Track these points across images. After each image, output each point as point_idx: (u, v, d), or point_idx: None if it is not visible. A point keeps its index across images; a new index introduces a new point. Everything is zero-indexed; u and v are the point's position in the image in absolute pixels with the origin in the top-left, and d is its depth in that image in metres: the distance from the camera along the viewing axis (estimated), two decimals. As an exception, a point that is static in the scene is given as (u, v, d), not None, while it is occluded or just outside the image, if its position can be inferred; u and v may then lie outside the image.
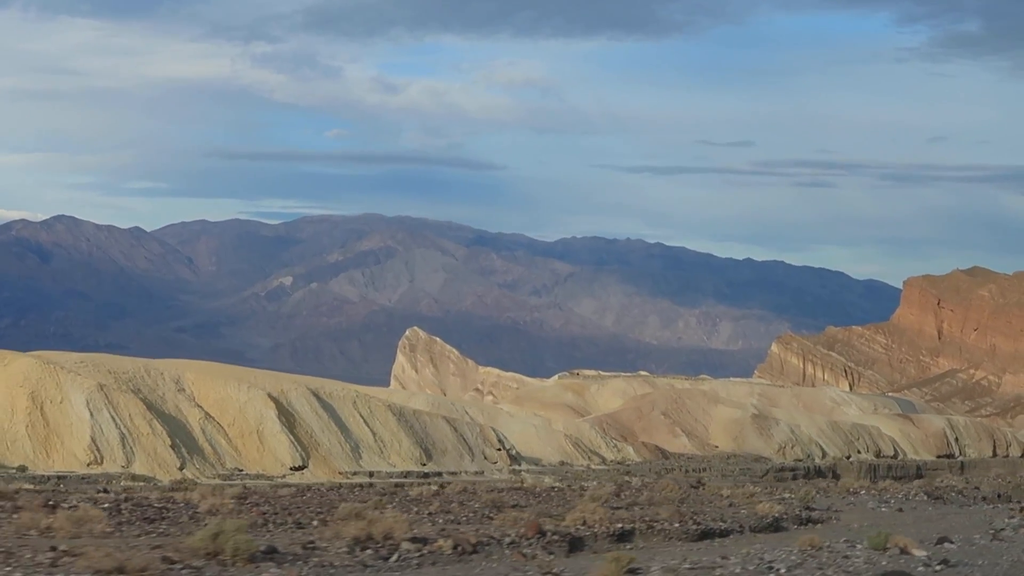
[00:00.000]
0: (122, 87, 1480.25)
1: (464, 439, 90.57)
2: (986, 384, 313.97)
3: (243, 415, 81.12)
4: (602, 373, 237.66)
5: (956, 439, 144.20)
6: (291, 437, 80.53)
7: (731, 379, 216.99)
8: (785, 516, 34.57)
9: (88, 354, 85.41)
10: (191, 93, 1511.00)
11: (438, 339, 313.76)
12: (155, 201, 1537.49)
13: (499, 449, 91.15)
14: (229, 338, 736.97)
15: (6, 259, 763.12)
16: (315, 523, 27.31)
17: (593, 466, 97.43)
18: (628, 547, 25.08)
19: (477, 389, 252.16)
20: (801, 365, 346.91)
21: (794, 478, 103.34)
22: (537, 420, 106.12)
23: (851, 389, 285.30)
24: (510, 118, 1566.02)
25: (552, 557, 23.26)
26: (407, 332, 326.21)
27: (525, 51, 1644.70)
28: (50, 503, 29.75)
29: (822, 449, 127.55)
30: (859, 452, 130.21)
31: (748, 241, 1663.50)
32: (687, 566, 21.04)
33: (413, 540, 22.95)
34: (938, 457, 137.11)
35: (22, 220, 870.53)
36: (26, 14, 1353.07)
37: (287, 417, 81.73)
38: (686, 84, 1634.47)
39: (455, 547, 22.94)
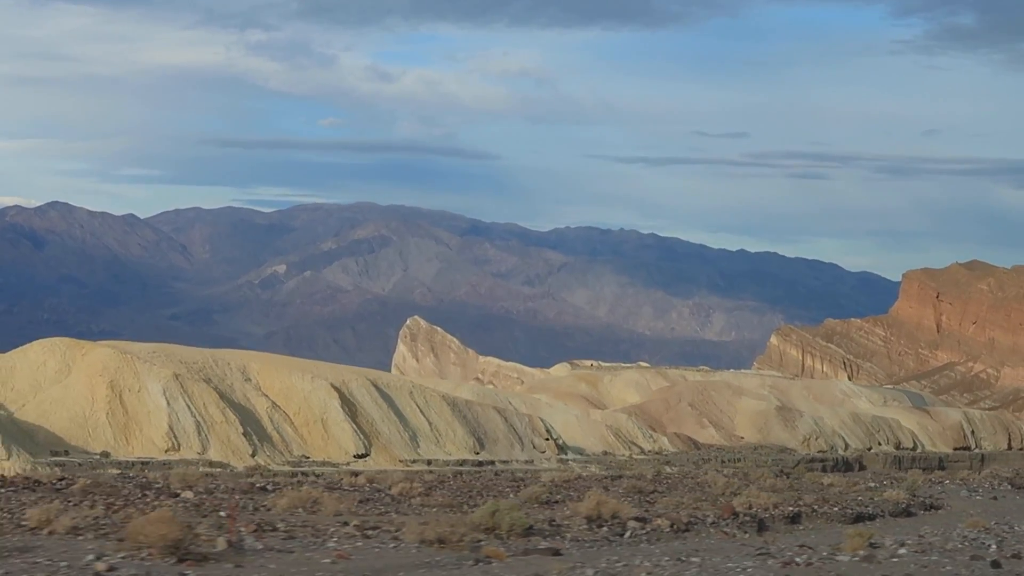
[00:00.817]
0: (116, 74, 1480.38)
1: (514, 429, 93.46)
2: (984, 377, 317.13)
3: (308, 404, 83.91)
4: (601, 363, 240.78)
5: (972, 432, 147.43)
6: (354, 426, 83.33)
7: (743, 371, 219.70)
8: (912, 503, 37.44)
9: (159, 344, 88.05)
10: (185, 80, 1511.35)
11: (439, 328, 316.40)
12: (149, 188, 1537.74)
13: (547, 439, 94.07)
14: (222, 325, 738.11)
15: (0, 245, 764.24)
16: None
17: (634, 456, 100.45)
18: (800, 528, 27.83)
19: (477, 378, 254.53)
20: (800, 357, 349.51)
21: (823, 469, 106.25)
22: (576, 410, 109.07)
23: (850, 381, 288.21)
24: (504, 108, 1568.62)
25: (747, 535, 26.06)
26: (408, 321, 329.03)
27: (520, 41, 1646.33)
28: (277, 487, 32.49)
29: (844, 441, 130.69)
30: (879, 444, 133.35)
31: (742, 232, 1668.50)
32: (911, 540, 23.73)
33: (637, 519, 25.79)
34: (955, 450, 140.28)
35: (16, 206, 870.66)
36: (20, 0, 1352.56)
37: (349, 406, 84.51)
38: (681, 75, 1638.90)
39: (671, 526, 25.80)
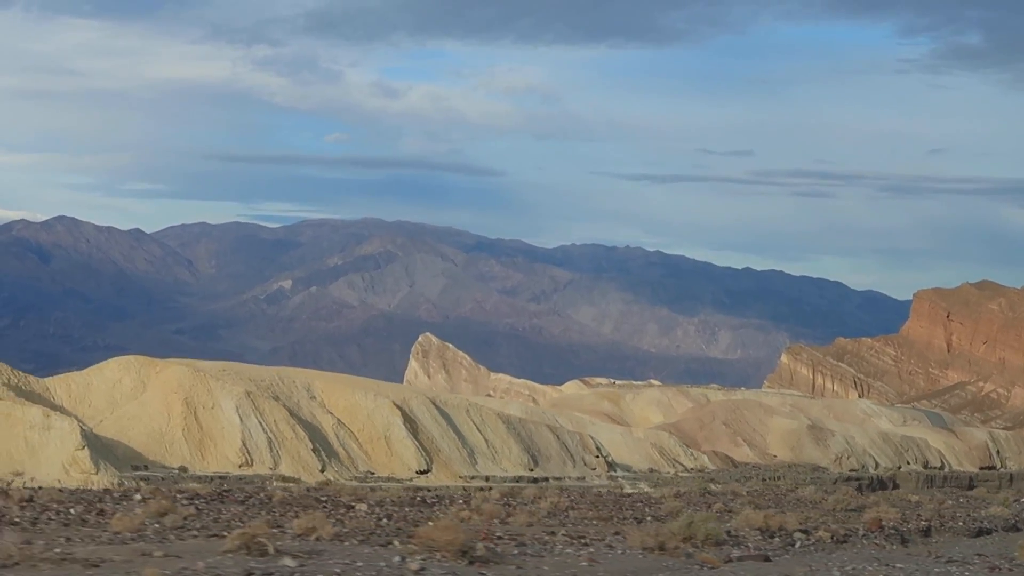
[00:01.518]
0: (123, 88, 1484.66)
1: (565, 446, 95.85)
2: (995, 397, 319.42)
3: (371, 422, 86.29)
4: (617, 381, 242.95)
5: (998, 452, 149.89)
6: (416, 443, 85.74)
7: (765, 390, 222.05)
8: (1017, 519, 39.93)
9: (226, 362, 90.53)
10: (191, 95, 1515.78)
11: (450, 345, 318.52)
12: (155, 203, 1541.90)
13: (597, 456, 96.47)
14: (227, 340, 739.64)
15: (6, 259, 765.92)
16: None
17: (680, 473, 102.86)
18: (933, 541, 30.27)
19: (489, 395, 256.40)
20: (811, 376, 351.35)
21: (859, 488, 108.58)
22: (620, 428, 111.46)
23: (848, 399, 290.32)
24: (510, 124, 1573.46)
25: (894, 547, 28.50)
26: (420, 338, 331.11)
27: (526, 57, 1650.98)
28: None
29: (875, 460, 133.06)
30: (908, 463, 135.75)
31: (747, 250, 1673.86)
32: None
33: (802, 531, 28.26)
34: (981, 469, 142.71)
35: (22, 220, 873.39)
36: (27, 14, 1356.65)
37: (411, 424, 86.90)
38: (686, 92, 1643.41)
39: (831, 537, 28.26)
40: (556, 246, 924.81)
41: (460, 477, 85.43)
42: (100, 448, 71.55)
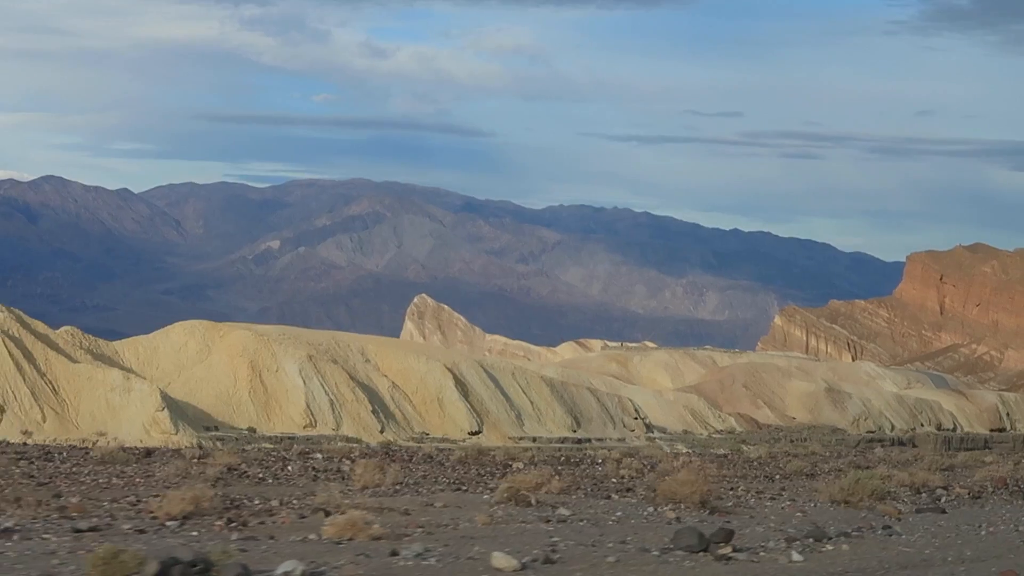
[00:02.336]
0: (110, 48, 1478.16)
1: (606, 408, 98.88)
2: (988, 359, 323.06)
3: (424, 384, 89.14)
4: (611, 344, 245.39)
5: (1008, 414, 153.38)
6: (467, 405, 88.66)
7: (770, 352, 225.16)
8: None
9: (284, 327, 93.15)
10: (179, 55, 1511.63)
11: (446, 307, 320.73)
12: (142, 163, 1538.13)
13: (635, 418, 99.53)
14: (216, 301, 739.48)
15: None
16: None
17: (712, 435, 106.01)
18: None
19: (486, 355, 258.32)
20: (804, 337, 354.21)
21: (882, 447, 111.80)
22: (652, 391, 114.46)
23: (853, 362, 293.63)
24: (498, 85, 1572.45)
25: (1020, 502, 31.33)
26: (415, 299, 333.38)
27: (514, 18, 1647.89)
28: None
29: (890, 422, 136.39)
30: (922, 425, 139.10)
31: (735, 211, 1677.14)
32: None
33: (943, 487, 31.20)
34: (991, 431, 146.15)
35: (10, 180, 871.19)
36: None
37: (462, 387, 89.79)
38: (675, 54, 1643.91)
39: (968, 493, 31.16)
40: (544, 207, 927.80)
41: (509, 438, 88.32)
42: (175, 409, 74.26)
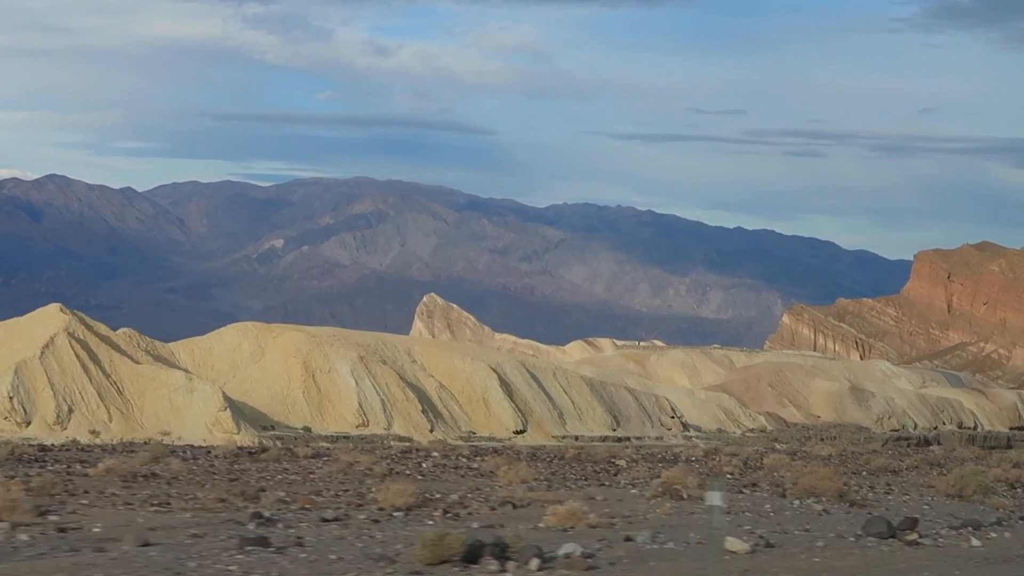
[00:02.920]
0: (113, 46, 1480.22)
1: (644, 407, 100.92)
2: (996, 358, 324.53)
3: (470, 384, 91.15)
4: (618, 342, 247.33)
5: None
6: (512, 404, 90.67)
7: (786, 351, 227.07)
8: None
9: (333, 328, 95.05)
10: (182, 53, 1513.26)
11: (455, 306, 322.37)
12: (145, 161, 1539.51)
13: (672, 417, 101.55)
14: (219, 299, 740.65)
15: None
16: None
17: (745, 433, 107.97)
18: None
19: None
20: (812, 336, 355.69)
21: (909, 446, 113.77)
22: (684, 390, 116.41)
23: (868, 360, 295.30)
24: (501, 83, 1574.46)
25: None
26: (424, 298, 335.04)
27: (517, 16, 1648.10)
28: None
29: (913, 420, 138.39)
30: (944, 424, 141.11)
31: (738, 210, 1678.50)
32: None
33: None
34: (1011, 429, 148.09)
35: (13, 179, 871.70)
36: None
37: (506, 386, 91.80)
38: (678, 51, 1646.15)
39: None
40: (547, 205, 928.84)
41: (552, 436, 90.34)
42: (235, 409, 76.23)
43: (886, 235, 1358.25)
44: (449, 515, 21.03)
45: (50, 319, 77.67)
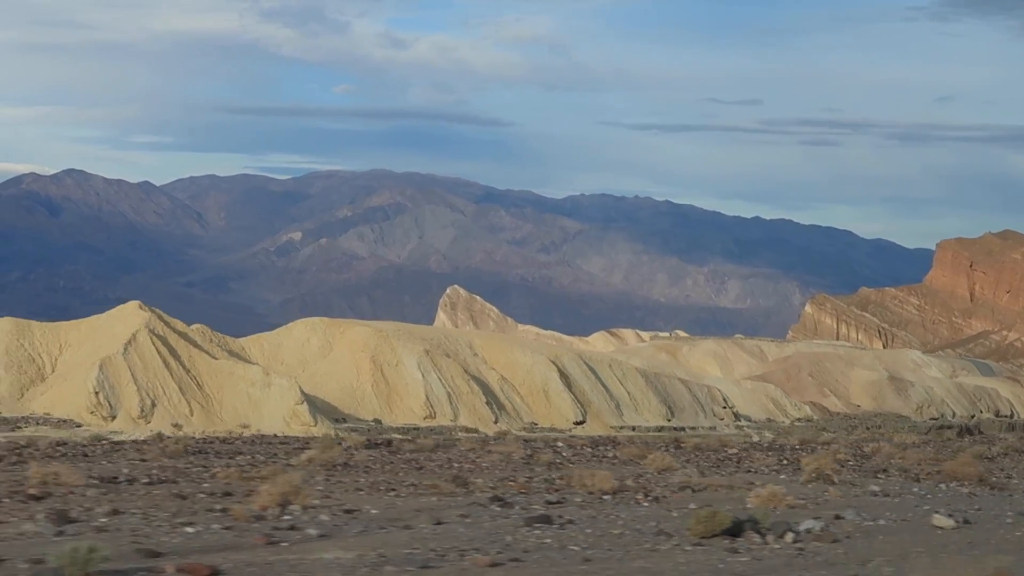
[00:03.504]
0: (129, 40, 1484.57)
1: (697, 398, 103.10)
2: (1019, 346, 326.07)
3: (530, 376, 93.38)
4: (640, 332, 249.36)
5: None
6: (571, 396, 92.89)
7: (815, 341, 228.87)
8: None
9: (397, 323, 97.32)
10: (198, 47, 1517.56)
11: (478, 297, 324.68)
12: (162, 155, 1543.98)
13: (724, 407, 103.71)
14: (238, 293, 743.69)
15: (16, 212, 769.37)
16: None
17: (793, 423, 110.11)
18: None
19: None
20: (835, 325, 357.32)
21: (955, 434, 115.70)
22: (730, 380, 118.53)
23: (884, 349, 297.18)
24: (518, 74, 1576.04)
25: None
26: (448, 290, 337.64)
27: (533, 7, 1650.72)
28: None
29: (952, 409, 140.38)
30: (981, 412, 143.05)
31: (756, 199, 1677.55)
32: None
33: None
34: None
35: (31, 174, 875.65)
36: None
37: (565, 378, 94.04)
38: (694, 42, 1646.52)
39: None
40: (565, 196, 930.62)
41: (611, 427, 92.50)
42: (309, 402, 78.50)
43: (904, 224, 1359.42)
44: (650, 498, 23.11)
45: (130, 316, 79.99)
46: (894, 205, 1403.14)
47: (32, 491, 20.92)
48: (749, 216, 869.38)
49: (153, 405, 74.85)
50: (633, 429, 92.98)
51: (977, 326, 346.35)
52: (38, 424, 71.05)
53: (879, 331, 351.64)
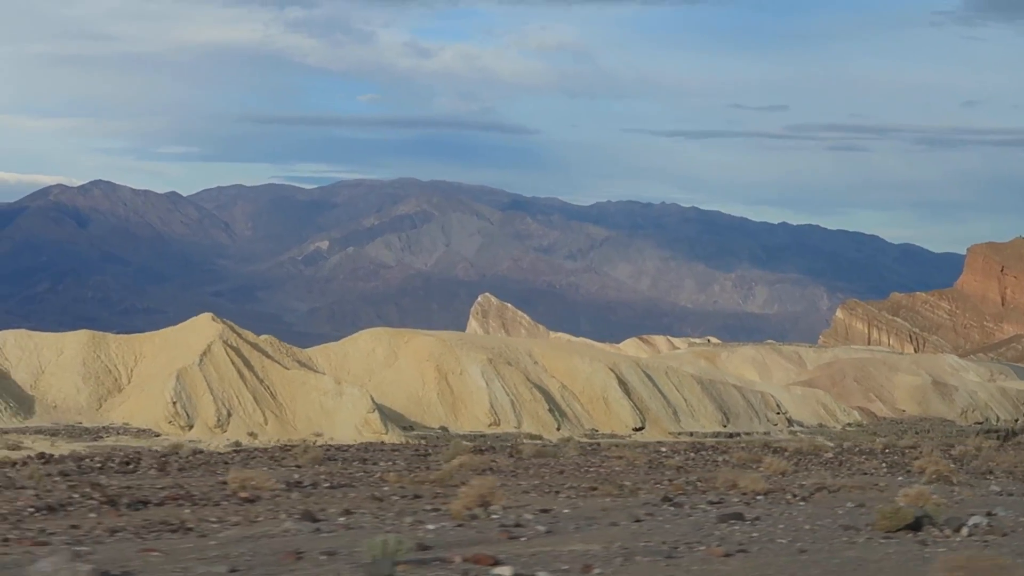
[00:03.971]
0: (155, 52, 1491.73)
1: (751, 404, 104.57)
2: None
3: (590, 384, 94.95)
4: (672, 339, 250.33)
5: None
6: (631, 403, 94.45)
7: (852, 346, 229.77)
8: None
9: (459, 332, 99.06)
10: (224, 58, 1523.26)
11: (509, 305, 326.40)
12: (189, 166, 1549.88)
13: (778, 413, 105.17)
14: (266, 302, 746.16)
15: (44, 224, 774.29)
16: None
17: (845, 428, 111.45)
18: None
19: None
20: (866, 330, 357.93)
21: (998, 438, 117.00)
22: (780, 386, 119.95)
23: (916, 353, 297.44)
24: (543, 82, 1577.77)
25: None
26: (479, 298, 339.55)
27: (558, 15, 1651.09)
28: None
29: (996, 413, 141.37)
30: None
31: (782, 205, 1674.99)
32: None
33: None
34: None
35: (59, 185, 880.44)
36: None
37: (624, 386, 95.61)
38: (719, 48, 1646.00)
39: None
40: (592, 203, 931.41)
41: (669, 433, 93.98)
42: (380, 411, 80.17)
43: (931, 228, 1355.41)
44: (797, 498, 24.73)
45: (204, 328, 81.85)
46: (921, 210, 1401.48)
47: (244, 495, 22.64)
48: (776, 222, 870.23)
49: (229, 415, 76.61)
50: (691, 435, 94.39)
51: (1009, 330, 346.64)
52: (119, 434, 72.85)
53: (910, 336, 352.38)
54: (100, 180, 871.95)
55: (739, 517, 19.98)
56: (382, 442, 70.63)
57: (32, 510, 20.54)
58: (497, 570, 14.16)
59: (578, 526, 19.11)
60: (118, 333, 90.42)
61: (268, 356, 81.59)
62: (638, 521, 19.82)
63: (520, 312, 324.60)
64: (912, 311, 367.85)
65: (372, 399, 78.39)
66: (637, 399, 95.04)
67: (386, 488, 25.57)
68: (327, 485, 26.15)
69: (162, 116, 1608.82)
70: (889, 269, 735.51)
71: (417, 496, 23.68)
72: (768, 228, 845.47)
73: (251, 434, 75.33)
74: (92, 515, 20.33)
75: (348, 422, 77.45)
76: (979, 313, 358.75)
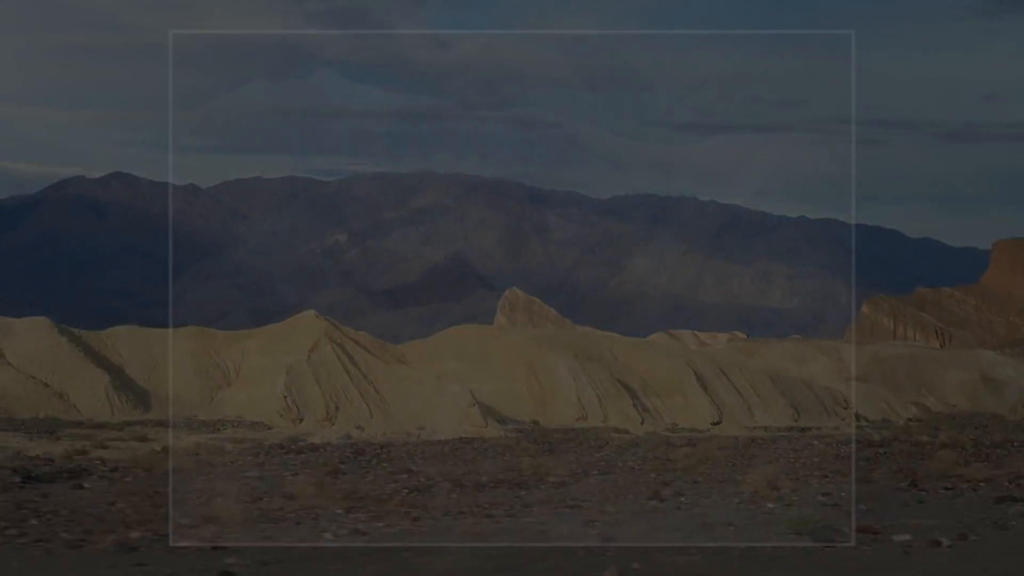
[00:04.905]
0: (174, 43, 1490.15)
1: (820, 399, 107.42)
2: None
3: (669, 379, 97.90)
4: (698, 334, 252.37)
5: None
6: (708, 397, 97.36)
7: (890, 342, 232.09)
8: None
9: (540, 330, 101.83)
10: (243, 50, 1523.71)
11: (536, 299, 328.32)
12: (208, 158, 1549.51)
13: (845, 407, 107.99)
14: (284, 295, 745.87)
15: (62, 216, 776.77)
16: None
17: (908, 422, 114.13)
18: None
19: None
20: (892, 326, 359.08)
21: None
22: (841, 380, 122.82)
23: (942, 349, 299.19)
24: (562, 74, 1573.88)
25: None
26: (506, 292, 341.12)
27: (576, 7, 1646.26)
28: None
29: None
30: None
31: (801, 199, 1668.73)
32: None
33: None
34: None
35: (78, 177, 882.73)
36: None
37: (701, 381, 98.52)
38: (738, 41, 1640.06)
39: None
40: (610, 197, 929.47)
41: (745, 427, 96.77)
42: (479, 406, 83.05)
43: (951, 223, 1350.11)
44: (1012, 485, 27.66)
45: (309, 325, 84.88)
46: (941, 204, 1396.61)
47: (551, 479, 25.57)
48: (795, 215, 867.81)
49: (336, 408, 79.61)
50: (765, 429, 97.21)
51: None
52: (234, 426, 75.95)
53: (936, 331, 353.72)
54: (119, 172, 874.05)
55: (1013, 499, 22.90)
56: (481, 437, 73.63)
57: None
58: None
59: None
60: (146, 327, 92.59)
61: (369, 351, 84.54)
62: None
63: (547, 307, 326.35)
64: (938, 306, 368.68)
65: (472, 394, 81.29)
66: (713, 394, 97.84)
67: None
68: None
69: (182, 108, 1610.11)
70: (909, 263, 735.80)
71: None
72: (787, 222, 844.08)
73: (358, 427, 78.30)
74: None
75: (449, 416, 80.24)
76: (1005, 309, 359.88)
